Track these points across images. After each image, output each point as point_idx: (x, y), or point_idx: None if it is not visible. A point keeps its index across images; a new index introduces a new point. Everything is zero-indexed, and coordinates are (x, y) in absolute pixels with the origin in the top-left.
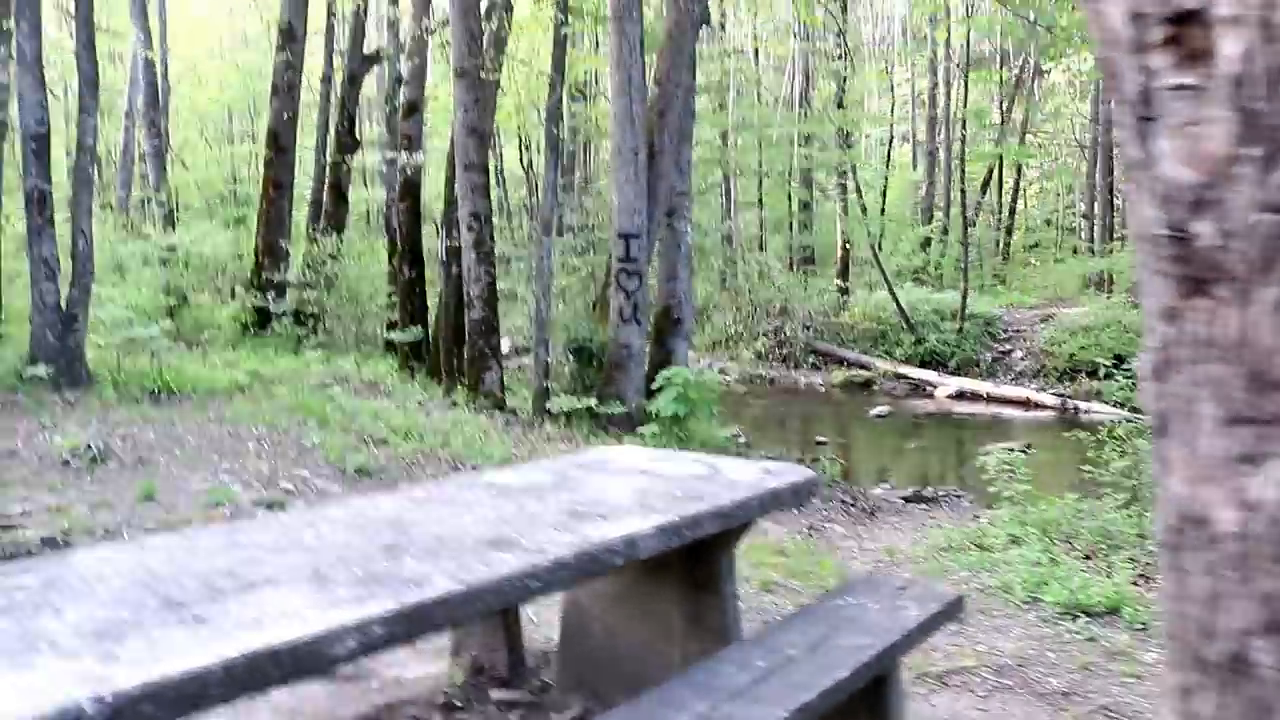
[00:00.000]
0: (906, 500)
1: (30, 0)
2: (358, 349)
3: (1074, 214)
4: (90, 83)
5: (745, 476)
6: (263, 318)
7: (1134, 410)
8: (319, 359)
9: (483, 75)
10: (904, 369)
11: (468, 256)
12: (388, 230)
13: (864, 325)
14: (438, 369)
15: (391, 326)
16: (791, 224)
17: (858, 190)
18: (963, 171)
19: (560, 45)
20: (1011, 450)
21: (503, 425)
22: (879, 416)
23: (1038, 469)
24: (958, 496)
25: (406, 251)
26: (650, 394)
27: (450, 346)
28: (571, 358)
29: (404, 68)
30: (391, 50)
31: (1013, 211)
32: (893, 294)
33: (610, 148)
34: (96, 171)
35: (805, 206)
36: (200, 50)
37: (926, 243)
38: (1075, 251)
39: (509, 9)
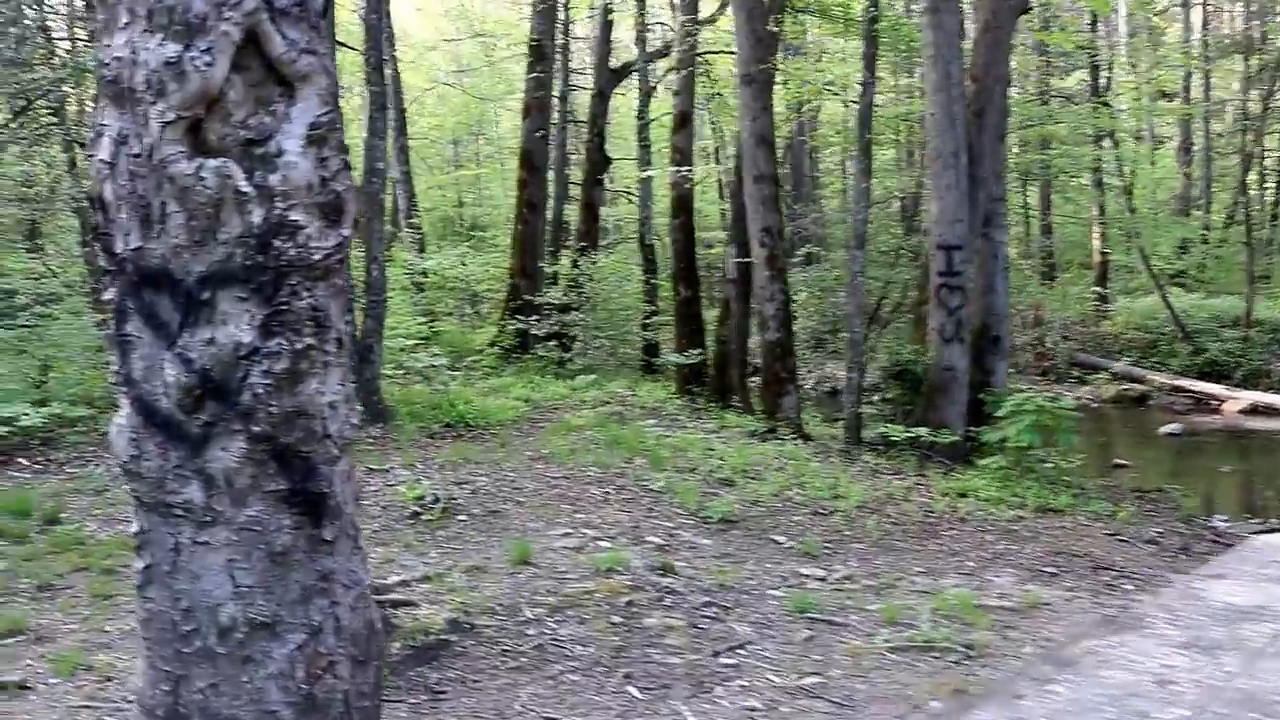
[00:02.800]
0: (1261, 534)
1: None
2: (617, 371)
3: None
4: (380, 107)
5: None
6: (522, 340)
7: None
8: (589, 384)
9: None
10: (1183, 382)
11: (760, 274)
12: (643, 248)
13: (1130, 335)
14: (722, 393)
15: (652, 349)
16: (1027, 225)
17: (1128, 191)
18: (1245, 167)
19: (872, 41)
20: None
21: (820, 457)
22: (1172, 435)
23: None
24: None
25: (682, 269)
26: (975, 420)
27: (740, 370)
28: (892, 381)
29: (672, 80)
30: (642, 63)
31: (1248, 207)
32: (1166, 300)
33: (928, 152)
34: None
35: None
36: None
37: (1183, 245)
38: None
39: (783, 9)
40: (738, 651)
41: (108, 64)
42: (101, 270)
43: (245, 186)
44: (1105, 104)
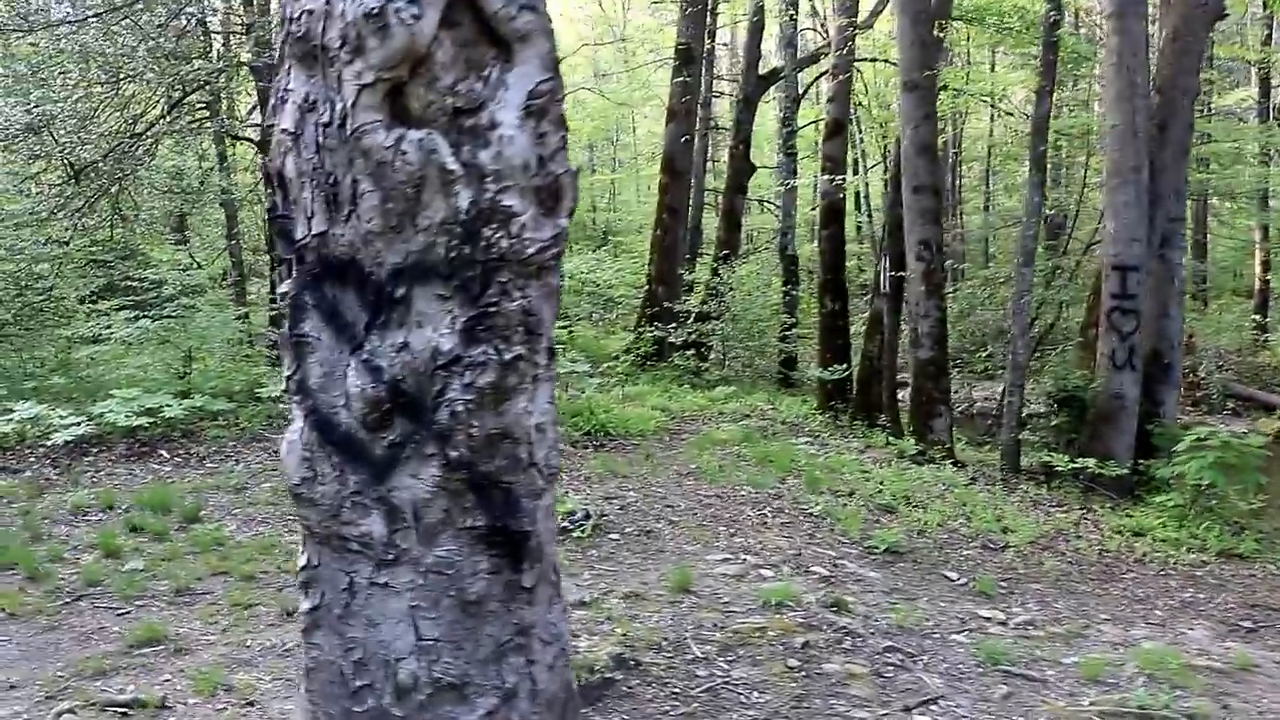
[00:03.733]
0: None
1: None
2: (752, 384)
3: None
4: None
5: None
6: (658, 348)
7: None
8: (728, 395)
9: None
10: None
11: (915, 289)
12: (784, 258)
13: None
14: (867, 411)
15: (790, 362)
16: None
17: None
18: None
19: (1051, 47)
20: None
21: (978, 484)
22: None
23: None
24: None
25: (829, 281)
26: (1142, 453)
27: (890, 388)
28: (1057, 408)
29: (825, 87)
30: (791, 69)
31: None
32: None
33: (1106, 166)
34: None
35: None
36: None
37: None
38: None
39: (948, 15)
40: (930, 707)
41: (296, 18)
42: (276, 259)
43: (452, 164)
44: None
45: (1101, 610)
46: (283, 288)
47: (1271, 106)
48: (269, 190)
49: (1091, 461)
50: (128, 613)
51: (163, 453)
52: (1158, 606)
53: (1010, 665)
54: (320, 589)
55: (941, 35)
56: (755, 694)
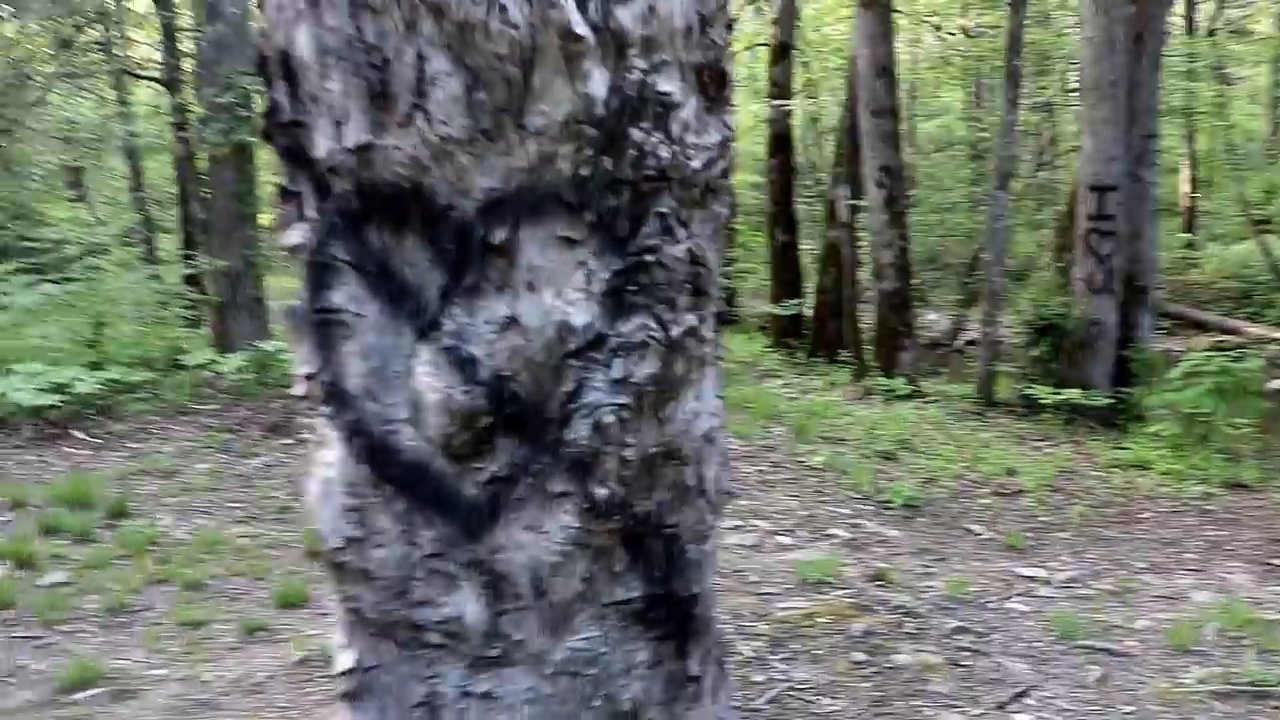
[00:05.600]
0: None
1: None
2: None
3: None
4: None
5: None
6: None
7: None
8: None
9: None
10: None
11: (877, 217)
12: None
13: (1221, 284)
14: (824, 346)
15: (729, 297)
16: None
17: (1227, 127)
18: None
19: None
20: None
21: (963, 422)
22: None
23: None
24: None
25: (779, 213)
26: (1119, 379)
27: (852, 322)
28: (1037, 337)
29: (769, 8)
30: None
31: None
32: (1265, 247)
33: (1083, 81)
34: None
35: None
36: None
37: (1269, 191)
38: None
39: None
40: (1025, 701)
41: None
42: (281, 191)
43: (580, 26)
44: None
45: (1135, 558)
46: (291, 236)
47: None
48: (266, 81)
49: (1076, 392)
50: (51, 643)
51: (77, 435)
52: (1187, 549)
53: (1088, 639)
54: (379, 704)
55: None
56: (826, 700)
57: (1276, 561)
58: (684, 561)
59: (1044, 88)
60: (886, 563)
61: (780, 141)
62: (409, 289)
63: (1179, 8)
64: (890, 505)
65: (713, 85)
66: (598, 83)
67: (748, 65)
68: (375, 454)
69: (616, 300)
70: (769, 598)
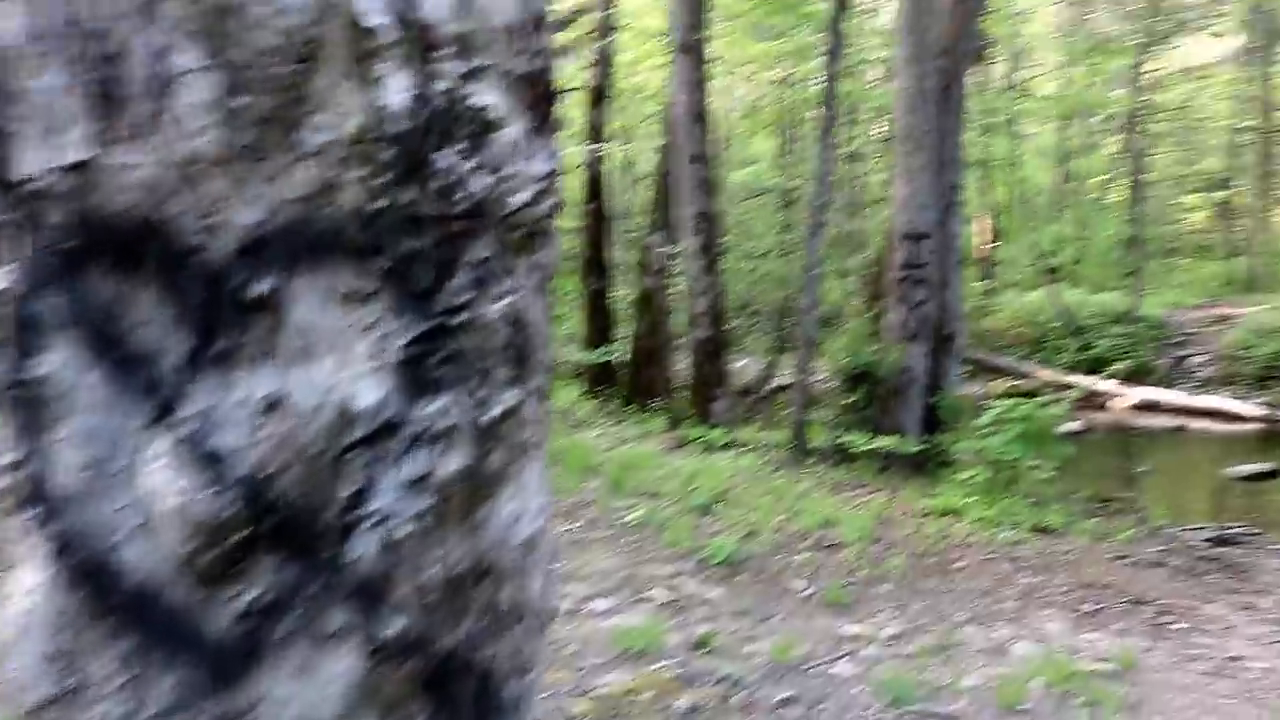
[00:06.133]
0: (1214, 544)
1: None
2: None
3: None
4: None
5: None
6: None
7: None
8: None
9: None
10: (1075, 378)
11: (692, 265)
12: None
13: (1016, 330)
14: (639, 394)
15: None
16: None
17: (1020, 180)
18: (1133, 160)
19: (842, 6)
20: (1269, 473)
21: (778, 472)
22: (1073, 434)
23: None
24: (1253, 534)
25: (593, 258)
26: (930, 426)
27: (665, 370)
28: (851, 384)
29: (586, 51)
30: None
31: (1138, 203)
32: (1056, 295)
33: (898, 131)
34: None
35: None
36: None
37: (1058, 241)
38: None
39: None
40: None
41: None
42: None
43: (373, 15)
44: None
45: (955, 609)
46: None
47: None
48: None
49: (889, 440)
50: None
51: None
52: (1003, 597)
53: (919, 703)
54: None
55: None
56: None
57: (1087, 607)
58: (501, 702)
59: (854, 138)
60: (710, 625)
61: (595, 186)
62: (142, 356)
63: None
64: (711, 563)
65: (542, 102)
66: (397, 91)
67: (562, 109)
68: (93, 576)
69: (416, 373)
70: (588, 672)
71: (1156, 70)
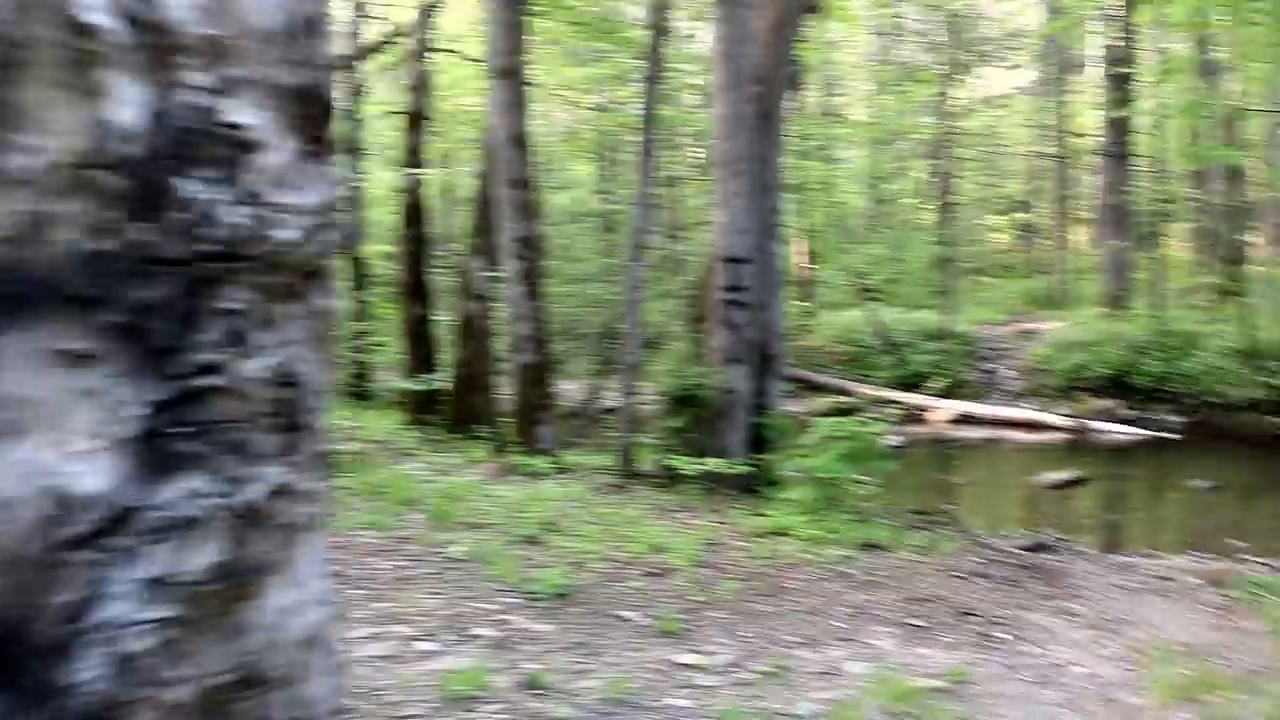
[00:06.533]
0: (1030, 551)
1: None
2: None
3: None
4: None
5: None
6: None
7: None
8: None
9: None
10: (893, 394)
11: (514, 290)
12: (351, 262)
13: (835, 349)
14: (463, 422)
15: (361, 374)
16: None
17: (835, 204)
18: (941, 184)
19: (661, 32)
20: (1075, 480)
21: (607, 498)
22: (894, 448)
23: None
24: (1064, 540)
25: (413, 285)
26: (755, 446)
27: (488, 396)
28: (676, 407)
29: (402, 75)
30: (352, 57)
31: (946, 225)
32: (872, 314)
33: (716, 156)
34: None
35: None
36: None
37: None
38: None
39: None
40: None
41: None
42: None
43: (96, 12)
44: (844, 118)
45: (788, 632)
46: None
47: (804, 105)
48: None
49: (716, 461)
50: None
51: None
52: (834, 616)
53: None
54: None
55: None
56: None
57: (915, 621)
58: None
59: (674, 162)
60: (539, 663)
61: (414, 211)
62: None
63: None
64: (539, 596)
65: (314, 121)
66: (128, 105)
67: (380, 133)
68: None
69: (155, 450)
70: None
71: (960, 99)
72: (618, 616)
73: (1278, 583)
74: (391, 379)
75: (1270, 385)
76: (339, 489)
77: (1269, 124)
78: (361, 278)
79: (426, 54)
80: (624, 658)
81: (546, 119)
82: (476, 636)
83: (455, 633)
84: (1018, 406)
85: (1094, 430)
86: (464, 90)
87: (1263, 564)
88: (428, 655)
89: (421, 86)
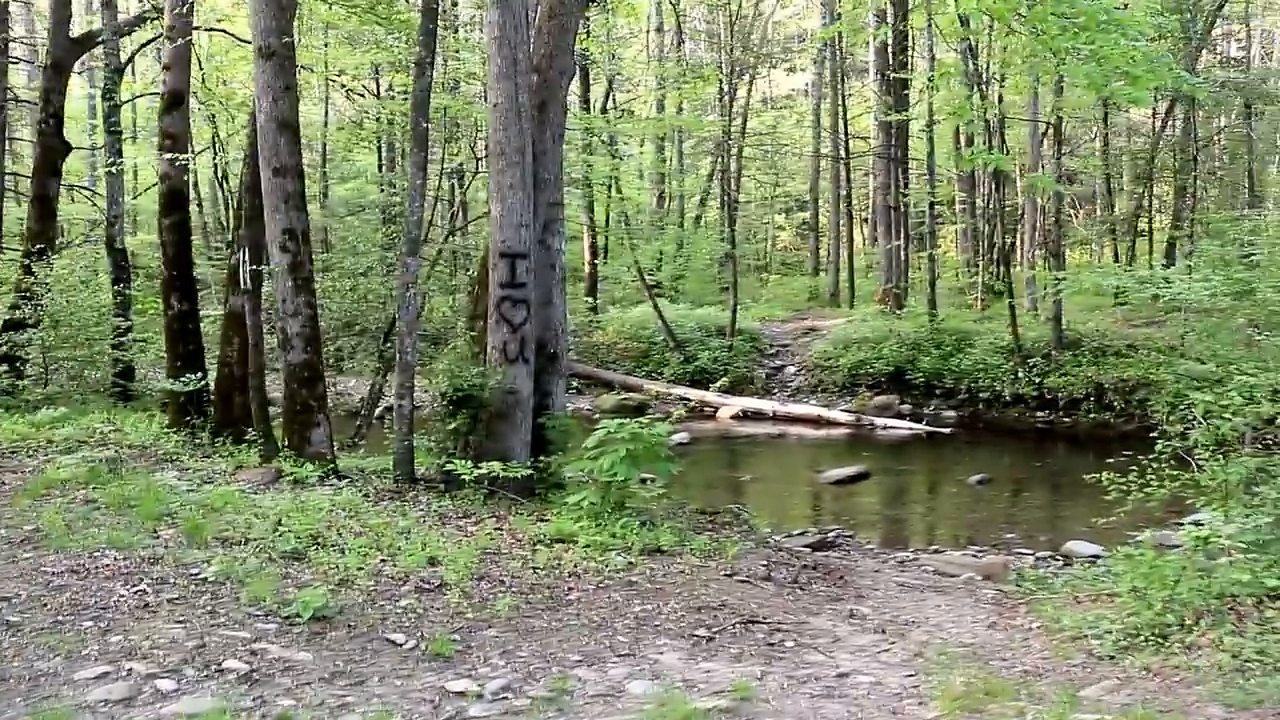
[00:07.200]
0: (815, 550)
1: None
2: (84, 402)
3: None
4: None
5: None
6: None
7: (941, 425)
8: (56, 419)
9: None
10: (680, 390)
11: (282, 284)
12: (113, 252)
13: (623, 345)
14: (230, 425)
15: (128, 373)
16: None
17: (621, 199)
18: (726, 182)
19: (431, 14)
20: (857, 476)
21: (379, 505)
22: (682, 445)
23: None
24: (848, 536)
25: (175, 278)
26: (538, 448)
27: (259, 397)
28: (453, 409)
29: (162, 53)
30: (110, 33)
31: (731, 223)
32: (658, 310)
33: (490, 147)
34: None
35: None
36: None
37: (658, 257)
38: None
39: None
40: None
41: None
42: None
43: None
44: (629, 113)
45: (567, 649)
46: None
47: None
48: None
49: (496, 465)
50: None
51: None
52: (617, 630)
53: None
54: None
55: None
56: None
57: (700, 632)
58: None
59: (455, 154)
60: (293, 698)
61: (176, 198)
62: None
63: (575, 85)
64: (297, 620)
65: None
66: None
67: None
68: None
69: None
70: None
71: (744, 98)
72: (386, 639)
73: (1045, 576)
74: (157, 379)
75: (1033, 382)
76: (80, 505)
77: (1031, 131)
78: (122, 269)
79: (187, 31)
80: (390, 687)
81: (330, 106)
82: (224, 670)
83: (200, 667)
84: (802, 402)
85: (874, 425)
86: (235, 72)
87: (1032, 555)
88: (165, 696)
89: (178, 65)
